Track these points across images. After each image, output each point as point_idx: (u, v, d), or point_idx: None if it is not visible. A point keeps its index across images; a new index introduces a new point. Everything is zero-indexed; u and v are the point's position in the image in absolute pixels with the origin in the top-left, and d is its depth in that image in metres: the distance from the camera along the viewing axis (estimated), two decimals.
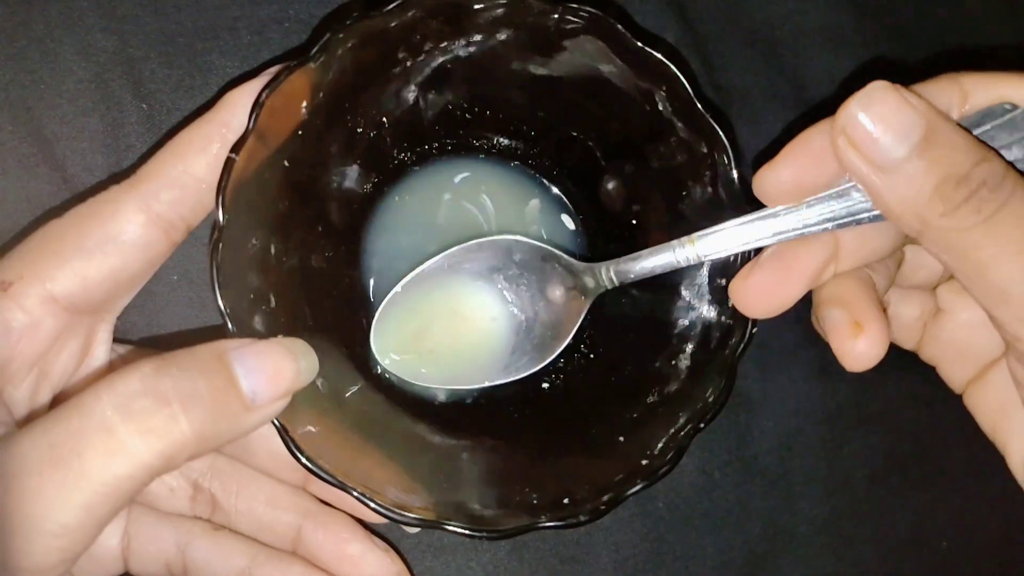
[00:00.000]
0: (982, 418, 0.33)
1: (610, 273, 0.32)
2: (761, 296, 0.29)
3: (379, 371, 0.36)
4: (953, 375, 0.34)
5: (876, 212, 0.28)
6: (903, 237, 0.30)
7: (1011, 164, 0.26)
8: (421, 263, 0.34)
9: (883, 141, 0.25)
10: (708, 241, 0.30)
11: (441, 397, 0.37)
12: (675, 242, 0.30)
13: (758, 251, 0.30)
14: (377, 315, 0.34)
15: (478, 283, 0.35)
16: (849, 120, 0.26)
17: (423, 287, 0.34)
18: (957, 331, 0.33)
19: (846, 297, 0.30)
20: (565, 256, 0.34)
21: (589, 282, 0.33)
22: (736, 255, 0.31)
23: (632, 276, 0.32)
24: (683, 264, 0.31)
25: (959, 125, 0.26)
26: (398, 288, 0.34)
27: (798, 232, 0.29)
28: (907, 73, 0.34)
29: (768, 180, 0.29)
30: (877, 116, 0.25)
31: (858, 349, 0.29)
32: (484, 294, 0.35)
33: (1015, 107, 0.27)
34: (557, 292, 0.34)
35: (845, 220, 0.28)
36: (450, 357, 0.35)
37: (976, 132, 0.27)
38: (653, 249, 0.31)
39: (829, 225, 0.28)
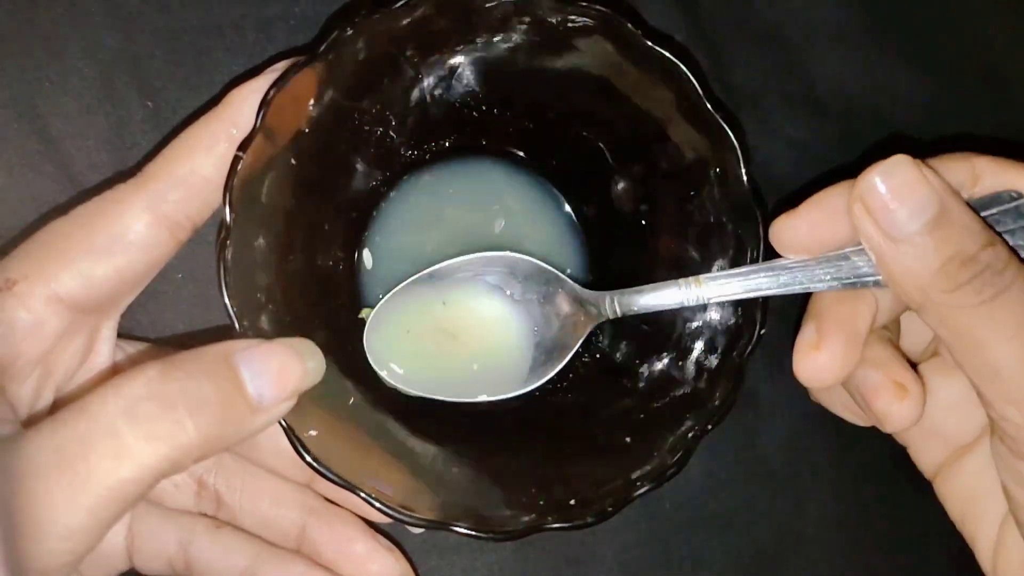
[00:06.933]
0: (952, 506, 0.33)
1: (614, 304, 0.33)
2: (833, 371, 0.30)
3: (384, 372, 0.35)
4: (924, 457, 0.34)
5: (879, 277, 0.29)
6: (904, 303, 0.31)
7: (1014, 250, 0.27)
8: (426, 263, 0.34)
9: (898, 214, 0.26)
10: (714, 285, 0.31)
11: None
12: (681, 281, 0.31)
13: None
14: (369, 321, 0.34)
15: (479, 297, 0.35)
16: (868, 189, 0.27)
17: (419, 296, 0.34)
18: (934, 410, 0.32)
19: (879, 358, 0.30)
20: (569, 281, 0.34)
21: (591, 310, 0.33)
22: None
23: (635, 309, 0.32)
24: (686, 304, 0.31)
25: (970, 207, 0.27)
26: (388, 296, 0.34)
27: (803, 287, 0.30)
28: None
29: (786, 230, 0.29)
30: (895, 189, 0.26)
31: (905, 411, 0.30)
32: (484, 309, 0.35)
33: (1021, 196, 0.28)
34: (559, 315, 0.34)
35: (850, 281, 0.29)
36: (444, 368, 0.35)
37: (983, 214, 0.28)
38: (658, 285, 0.32)
39: (835, 284, 0.29)
